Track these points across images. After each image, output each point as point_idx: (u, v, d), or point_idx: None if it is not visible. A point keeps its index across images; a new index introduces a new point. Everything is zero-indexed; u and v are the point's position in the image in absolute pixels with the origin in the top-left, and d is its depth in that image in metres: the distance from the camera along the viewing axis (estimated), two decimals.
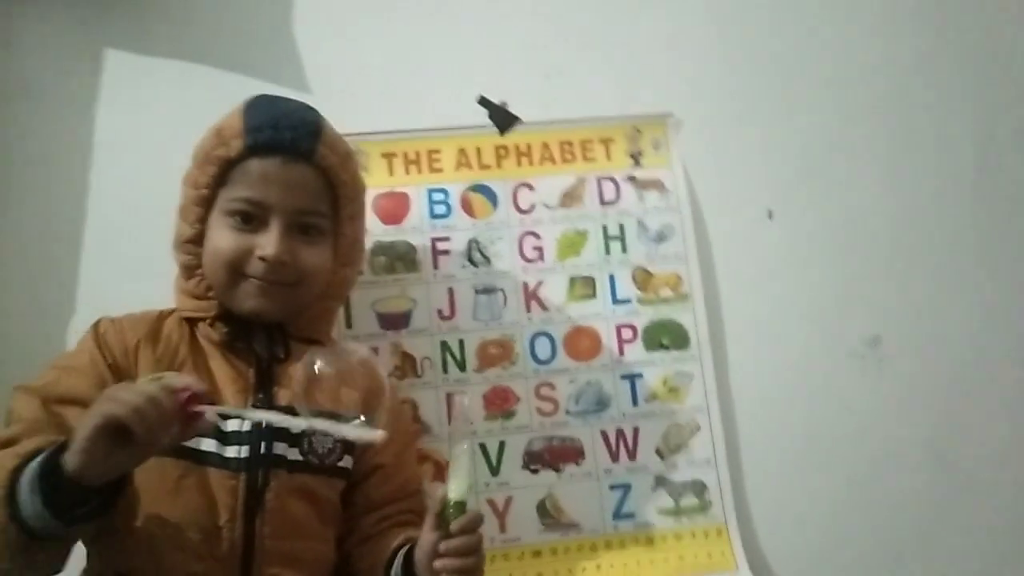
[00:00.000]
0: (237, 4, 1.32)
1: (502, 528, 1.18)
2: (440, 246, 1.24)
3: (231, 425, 0.91)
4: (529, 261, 1.26)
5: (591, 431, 1.22)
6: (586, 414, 1.22)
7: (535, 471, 1.20)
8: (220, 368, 0.95)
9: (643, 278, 1.28)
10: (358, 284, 1.19)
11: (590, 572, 1.18)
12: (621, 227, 1.29)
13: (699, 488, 1.23)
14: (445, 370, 1.21)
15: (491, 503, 1.18)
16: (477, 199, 1.27)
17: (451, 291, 1.23)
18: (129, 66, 1.27)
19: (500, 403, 1.21)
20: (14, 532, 0.73)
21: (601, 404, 1.23)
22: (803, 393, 1.33)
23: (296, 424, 0.82)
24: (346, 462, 0.98)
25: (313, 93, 1.27)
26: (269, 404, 0.93)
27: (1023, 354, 1.40)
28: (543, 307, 1.25)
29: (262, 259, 0.93)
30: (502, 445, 1.20)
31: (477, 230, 1.26)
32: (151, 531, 0.85)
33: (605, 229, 1.28)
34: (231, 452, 0.90)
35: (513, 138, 1.28)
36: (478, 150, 1.28)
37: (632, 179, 1.30)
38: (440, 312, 1.22)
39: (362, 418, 0.86)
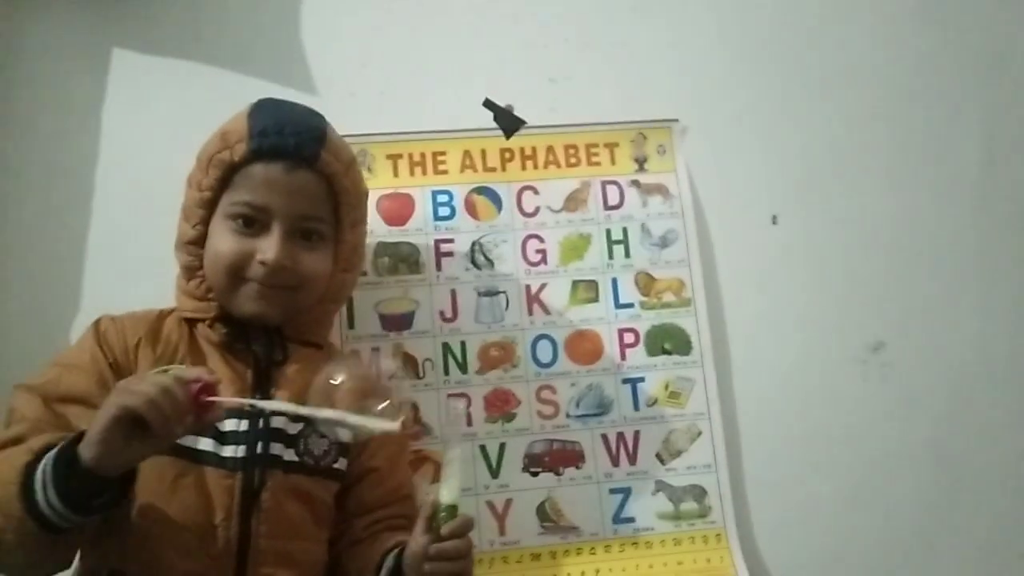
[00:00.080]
0: (243, 6, 1.32)
1: (501, 531, 1.18)
2: (443, 248, 1.24)
3: (228, 425, 0.92)
4: (532, 264, 1.26)
5: (592, 435, 1.22)
6: (587, 418, 1.23)
7: (535, 474, 1.20)
8: (218, 369, 0.95)
9: (646, 283, 1.28)
10: (361, 285, 1.19)
11: None
12: (624, 231, 1.29)
13: (699, 493, 1.23)
14: (447, 372, 1.21)
15: (491, 505, 1.18)
16: (481, 201, 1.27)
17: (454, 293, 1.23)
18: (135, 66, 1.28)
19: (501, 405, 1.21)
20: (31, 525, 0.75)
21: (602, 408, 1.23)
22: (805, 398, 1.33)
23: (308, 413, 0.83)
24: (341, 464, 0.99)
25: (319, 94, 1.28)
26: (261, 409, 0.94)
27: None
28: (545, 310, 1.25)
29: (263, 263, 0.94)
30: (502, 447, 1.20)
31: (481, 232, 1.26)
32: (147, 529, 0.86)
33: (608, 233, 1.28)
34: (228, 452, 0.91)
35: (518, 141, 1.29)
36: (483, 153, 1.28)
37: (636, 184, 1.31)
38: (442, 314, 1.22)
39: (379, 408, 0.86)
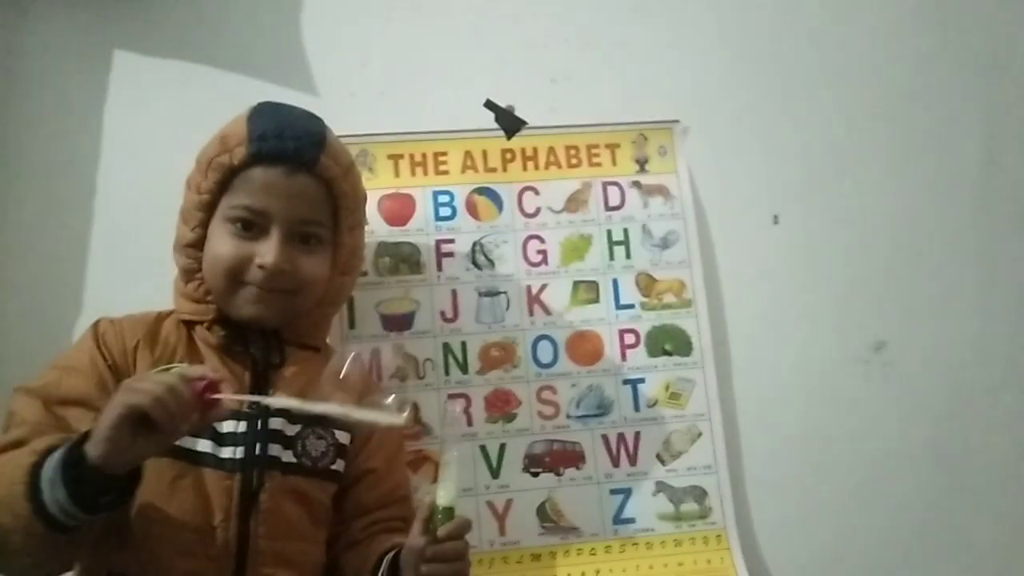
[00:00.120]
0: (244, 7, 1.32)
1: (501, 531, 1.18)
2: (444, 248, 1.25)
3: (227, 427, 0.92)
4: (533, 265, 1.26)
5: (592, 435, 1.22)
6: (587, 418, 1.23)
7: (535, 474, 1.20)
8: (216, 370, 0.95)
9: (647, 283, 1.28)
10: (362, 285, 1.20)
11: None
12: (625, 232, 1.29)
13: (699, 494, 1.23)
14: (447, 372, 1.21)
15: (491, 505, 1.18)
16: (482, 202, 1.27)
17: (454, 293, 1.23)
18: (136, 67, 1.28)
19: (501, 406, 1.21)
20: (40, 525, 0.75)
21: (602, 408, 1.23)
22: (807, 398, 1.33)
23: (312, 409, 0.83)
24: (338, 465, 0.99)
25: (320, 95, 1.28)
26: (264, 407, 0.94)
27: None
28: (546, 311, 1.25)
29: (261, 267, 0.94)
30: (503, 448, 1.20)
31: (482, 233, 1.26)
32: (146, 530, 0.86)
33: (609, 234, 1.29)
34: (226, 453, 0.91)
35: (519, 142, 1.29)
36: (484, 153, 1.29)
37: (637, 185, 1.31)
38: (443, 314, 1.23)
39: (388, 400, 0.87)
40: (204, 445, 0.91)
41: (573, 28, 1.38)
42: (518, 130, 1.26)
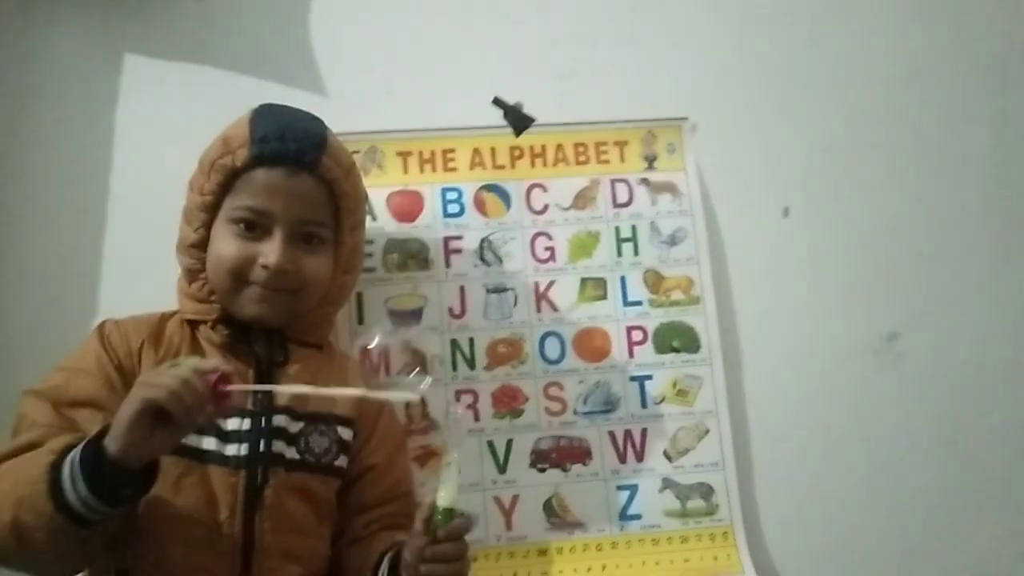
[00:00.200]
0: (253, 9, 1.33)
1: (508, 526, 1.18)
2: (452, 245, 1.25)
3: (231, 424, 0.93)
4: (541, 261, 1.26)
5: (599, 432, 1.23)
6: (594, 415, 1.23)
7: (542, 470, 1.21)
8: None
9: (654, 280, 1.28)
10: (371, 281, 1.21)
11: (595, 572, 1.18)
12: (633, 229, 1.29)
13: (706, 491, 1.23)
14: (455, 368, 1.22)
15: (497, 501, 1.19)
16: (490, 199, 1.28)
17: (462, 290, 1.24)
18: (146, 70, 1.29)
19: (508, 402, 1.22)
20: (62, 521, 0.77)
21: (610, 405, 1.23)
22: (818, 391, 1.33)
23: (326, 393, 0.87)
24: (341, 461, 1.00)
25: (329, 93, 1.29)
26: (268, 405, 0.96)
27: None
28: (553, 307, 1.25)
29: (265, 267, 0.95)
30: (510, 443, 1.21)
31: (490, 229, 1.26)
32: (153, 526, 0.88)
33: (617, 231, 1.29)
34: (231, 450, 0.93)
35: (527, 139, 1.28)
36: (492, 150, 1.29)
37: (646, 182, 1.31)
38: (451, 310, 1.23)
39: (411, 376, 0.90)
40: (209, 443, 0.92)
41: (581, 25, 1.38)
42: (526, 127, 1.26)
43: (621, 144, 1.31)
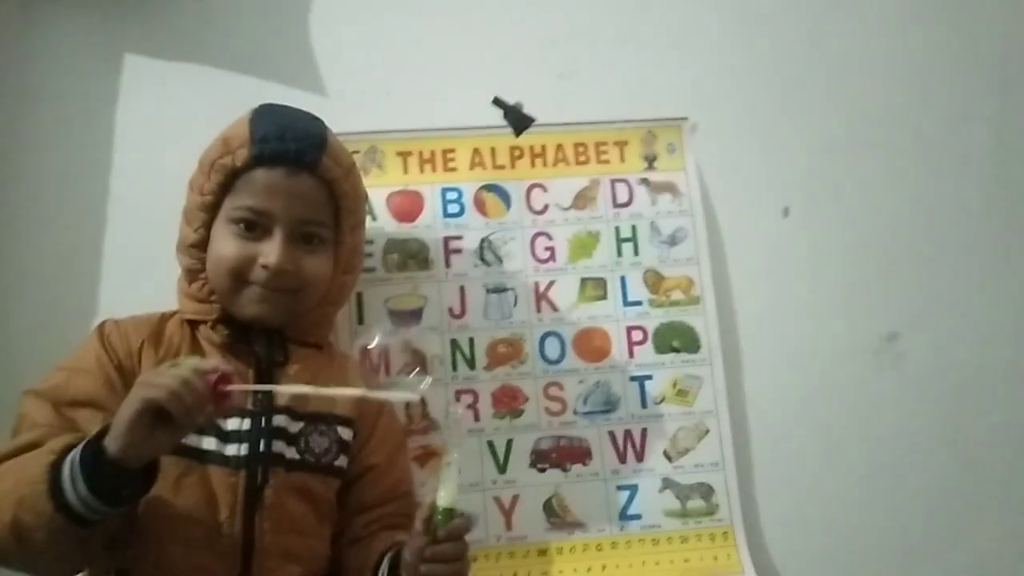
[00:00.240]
0: (253, 9, 1.33)
1: (508, 526, 1.18)
2: (452, 245, 1.25)
3: (231, 424, 0.94)
4: (541, 261, 1.26)
5: (599, 431, 1.23)
6: (594, 415, 1.23)
7: (542, 470, 1.21)
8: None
9: (654, 280, 1.28)
10: (371, 281, 1.21)
11: (595, 572, 1.18)
12: (634, 229, 1.29)
13: (706, 491, 1.23)
14: (455, 368, 1.22)
15: (497, 501, 1.19)
16: (490, 199, 1.28)
17: (462, 290, 1.24)
18: (147, 71, 1.29)
19: (508, 402, 1.22)
20: (62, 521, 0.77)
21: (610, 405, 1.23)
22: (819, 391, 1.33)
23: (326, 393, 0.87)
24: (341, 461, 1.00)
25: (329, 93, 1.29)
26: (268, 405, 0.96)
27: None
28: (553, 307, 1.25)
29: (265, 267, 0.96)
30: (510, 443, 1.21)
31: (490, 229, 1.26)
32: (153, 526, 0.88)
33: (617, 231, 1.29)
34: (231, 450, 0.93)
35: (527, 139, 1.28)
36: (492, 150, 1.29)
37: (646, 182, 1.31)
38: (451, 310, 1.23)
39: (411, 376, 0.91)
40: (209, 443, 0.92)
41: (581, 24, 1.38)
42: (526, 127, 1.26)
43: (621, 144, 1.31)
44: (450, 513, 0.87)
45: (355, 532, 1.01)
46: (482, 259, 1.25)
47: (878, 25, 1.45)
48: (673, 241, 1.29)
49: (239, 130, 0.98)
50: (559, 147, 1.30)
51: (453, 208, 1.26)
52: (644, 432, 1.23)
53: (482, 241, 1.26)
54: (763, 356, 1.33)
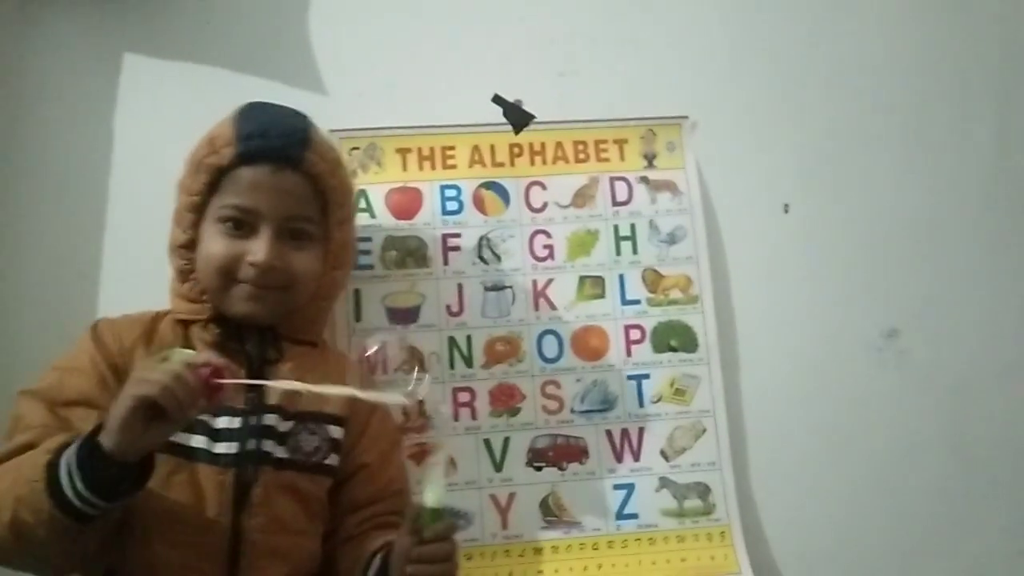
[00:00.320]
0: (253, 7, 1.33)
1: (504, 524, 1.18)
2: (451, 242, 1.25)
3: (221, 423, 0.94)
4: (539, 259, 1.26)
5: (596, 430, 1.23)
6: (591, 413, 1.23)
7: (539, 468, 1.21)
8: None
9: (653, 279, 1.28)
10: (369, 278, 1.21)
11: (591, 571, 1.18)
12: (632, 228, 1.29)
13: (703, 491, 1.22)
14: (452, 366, 1.22)
15: (494, 499, 1.19)
16: (489, 196, 1.27)
17: (460, 287, 1.24)
18: (146, 70, 1.29)
19: (506, 400, 1.22)
20: (61, 517, 0.78)
21: (607, 404, 1.23)
22: (819, 389, 1.33)
23: (317, 390, 0.87)
24: (332, 460, 1.00)
25: (329, 90, 1.29)
26: (260, 403, 0.96)
27: None
28: (552, 305, 1.25)
29: (253, 265, 0.96)
30: (506, 441, 1.20)
31: (488, 227, 1.26)
32: (141, 524, 0.88)
33: (616, 229, 1.28)
34: (220, 448, 0.93)
35: (527, 136, 1.28)
36: (492, 148, 1.29)
37: (645, 180, 1.30)
38: (449, 308, 1.23)
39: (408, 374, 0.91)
40: (199, 441, 0.92)
41: (581, 22, 1.38)
42: (526, 125, 1.27)
43: (621, 142, 1.31)
44: (437, 513, 0.86)
45: (347, 531, 1.01)
46: (480, 257, 1.25)
47: (877, 24, 1.45)
48: (672, 240, 1.29)
49: (224, 129, 0.98)
50: (558, 145, 1.30)
51: (452, 205, 1.26)
52: (641, 431, 1.23)
53: (481, 239, 1.26)
54: (761, 355, 1.32)
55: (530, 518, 1.19)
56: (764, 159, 1.38)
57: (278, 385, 0.91)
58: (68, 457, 0.79)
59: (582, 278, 1.26)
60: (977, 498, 1.33)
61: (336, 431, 1.01)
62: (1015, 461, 1.34)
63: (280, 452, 0.96)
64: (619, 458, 1.22)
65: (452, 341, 1.22)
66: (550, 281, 1.26)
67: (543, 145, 1.30)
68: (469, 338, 1.23)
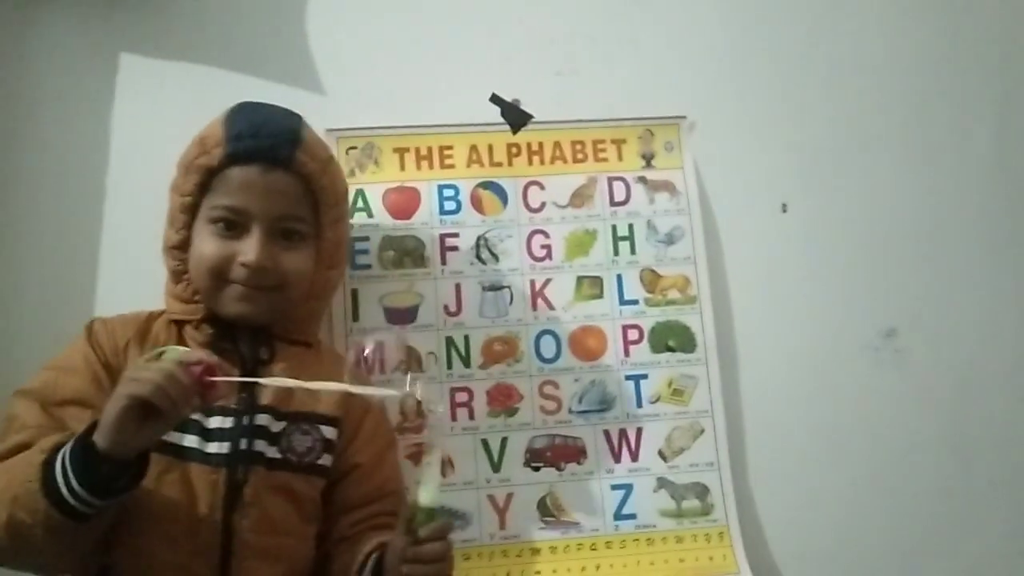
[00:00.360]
0: (250, 7, 1.32)
1: (502, 525, 1.18)
2: (449, 242, 1.25)
3: (213, 422, 0.94)
4: (537, 259, 1.26)
5: (594, 430, 1.22)
6: (589, 413, 1.23)
7: (537, 468, 1.20)
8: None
9: (651, 279, 1.28)
10: (366, 278, 1.21)
11: (589, 571, 1.18)
12: (630, 228, 1.28)
13: (701, 491, 1.22)
14: (450, 366, 1.22)
15: (492, 499, 1.19)
16: (487, 196, 1.27)
17: (458, 287, 1.24)
18: (144, 69, 1.29)
19: (503, 400, 1.21)
20: (57, 516, 0.78)
21: (605, 404, 1.23)
22: (817, 389, 1.33)
23: (310, 387, 0.87)
24: (325, 460, 1.00)
25: (327, 90, 1.29)
26: (252, 403, 0.96)
27: None
28: (549, 306, 1.25)
29: (244, 265, 0.96)
30: (504, 442, 1.20)
31: (486, 227, 1.26)
32: (133, 523, 0.88)
33: (614, 229, 1.28)
34: (212, 448, 0.93)
35: (525, 136, 1.28)
36: (490, 147, 1.29)
37: (643, 180, 1.30)
38: (447, 308, 1.23)
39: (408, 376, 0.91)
40: (191, 440, 0.92)
41: (579, 22, 1.38)
42: (524, 124, 1.26)
43: (619, 142, 1.31)
44: (431, 513, 0.87)
45: (341, 531, 1.01)
46: (478, 257, 1.25)
47: (877, 24, 1.45)
48: (670, 240, 1.29)
49: (214, 129, 0.99)
50: (556, 145, 1.30)
51: (450, 205, 1.26)
52: (639, 431, 1.23)
53: (478, 239, 1.25)
54: (760, 355, 1.32)
55: (528, 518, 1.19)
56: (762, 159, 1.38)
57: (271, 382, 0.91)
58: (63, 456, 0.79)
59: (580, 278, 1.26)
60: (977, 498, 1.33)
61: (329, 431, 1.01)
62: (1015, 461, 1.34)
63: (272, 452, 0.96)
64: (617, 458, 1.22)
65: (450, 341, 1.22)
66: (548, 281, 1.26)
67: (541, 145, 1.30)
68: (467, 338, 1.22)
